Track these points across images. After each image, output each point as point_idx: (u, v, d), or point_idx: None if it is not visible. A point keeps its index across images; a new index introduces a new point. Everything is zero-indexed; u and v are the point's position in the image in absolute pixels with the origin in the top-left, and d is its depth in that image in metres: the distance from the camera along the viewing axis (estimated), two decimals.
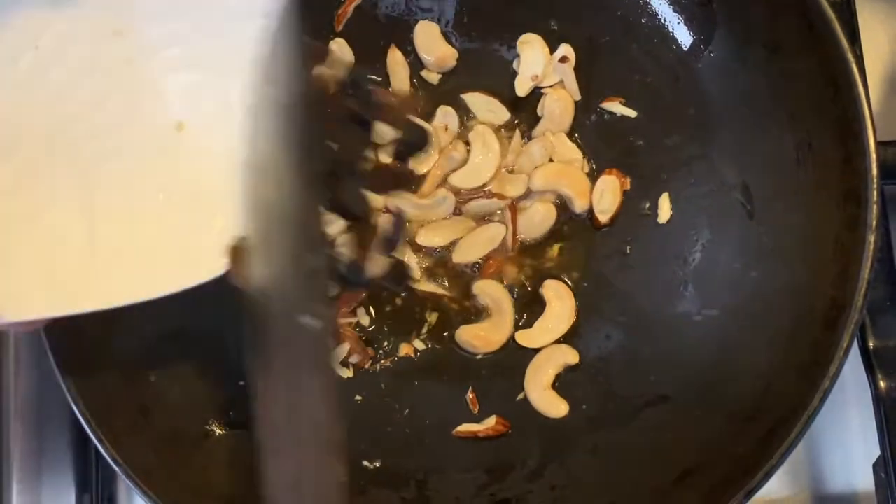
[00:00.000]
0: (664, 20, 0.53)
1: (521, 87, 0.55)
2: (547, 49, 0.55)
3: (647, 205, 0.54)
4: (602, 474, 0.49)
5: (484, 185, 0.54)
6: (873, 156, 0.43)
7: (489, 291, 0.53)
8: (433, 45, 0.55)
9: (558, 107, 0.54)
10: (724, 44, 0.51)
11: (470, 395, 0.53)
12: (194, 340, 0.52)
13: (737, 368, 0.49)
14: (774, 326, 0.48)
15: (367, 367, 0.54)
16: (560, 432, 0.51)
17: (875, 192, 0.43)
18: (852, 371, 0.52)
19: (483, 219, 0.55)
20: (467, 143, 0.55)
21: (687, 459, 0.47)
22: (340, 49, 0.55)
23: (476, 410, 0.52)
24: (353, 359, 0.53)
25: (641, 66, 0.54)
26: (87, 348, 0.46)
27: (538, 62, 0.54)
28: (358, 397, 0.53)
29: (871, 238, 0.43)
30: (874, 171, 0.43)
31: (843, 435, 0.55)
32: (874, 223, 0.43)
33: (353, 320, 0.54)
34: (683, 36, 0.52)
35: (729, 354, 0.49)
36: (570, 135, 0.55)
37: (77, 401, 0.44)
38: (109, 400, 0.46)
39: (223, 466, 0.49)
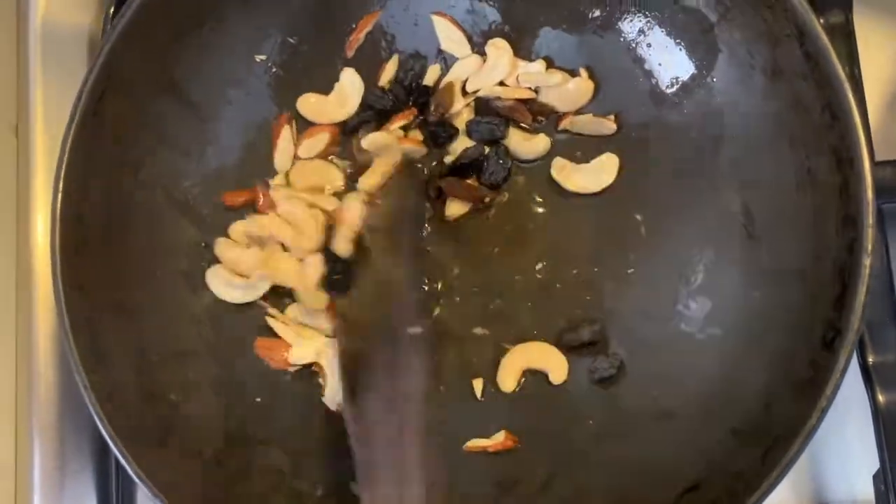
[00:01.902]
0: (666, 47, 0.54)
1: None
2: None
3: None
4: (608, 488, 0.50)
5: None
6: (869, 181, 0.44)
7: None
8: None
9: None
10: (725, 70, 0.51)
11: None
12: (210, 360, 0.53)
13: (738, 386, 0.49)
14: (774, 345, 0.48)
15: None
16: (567, 447, 0.52)
17: (871, 218, 0.44)
18: (853, 384, 0.52)
19: None
20: None
21: (690, 475, 0.48)
22: (351, 79, 0.56)
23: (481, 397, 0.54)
24: None
25: (645, 91, 0.55)
26: (112, 370, 0.48)
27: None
28: None
29: (867, 262, 0.44)
30: (870, 197, 0.44)
31: (844, 446, 0.56)
32: (870, 248, 0.44)
33: None
34: (685, 62, 0.53)
35: (731, 372, 0.50)
36: None
37: (103, 421, 0.45)
38: (133, 420, 0.48)
39: (242, 481, 0.50)
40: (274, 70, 0.56)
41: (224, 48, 0.54)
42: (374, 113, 0.56)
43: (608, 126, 0.55)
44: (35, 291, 0.59)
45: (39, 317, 0.59)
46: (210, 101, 0.54)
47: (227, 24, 0.54)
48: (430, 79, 0.56)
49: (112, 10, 0.61)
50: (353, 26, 0.56)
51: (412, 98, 0.56)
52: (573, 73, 0.55)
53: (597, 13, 0.54)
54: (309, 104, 0.56)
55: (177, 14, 0.51)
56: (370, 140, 0.54)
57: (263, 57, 0.56)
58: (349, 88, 0.56)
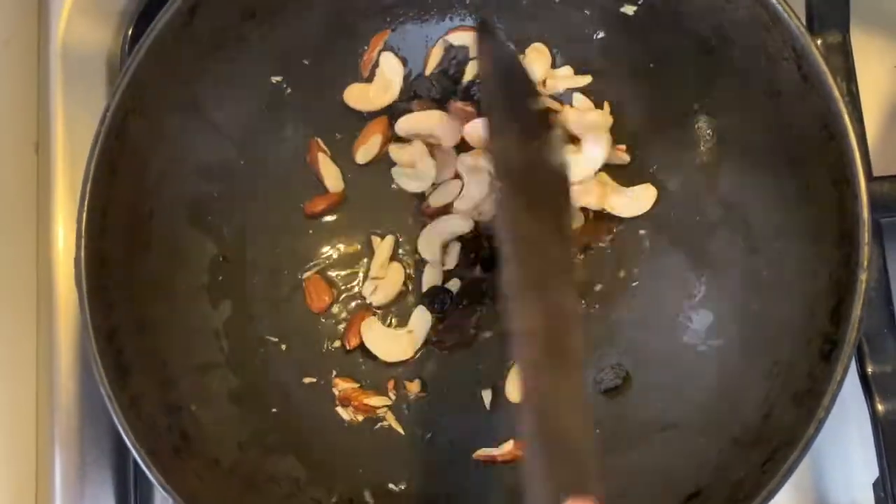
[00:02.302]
0: (669, 66, 0.55)
1: None
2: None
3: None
4: (614, 496, 0.50)
5: None
6: (864, 200, 0.45)
7: None
8: None
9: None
10: (725, 90, 0.53)
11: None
12: (229, 372, 0.55)
13: (740, 397, 0.50)
14: (774, 357, 0.50)
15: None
16: None
17: (866, 235, 0.45)
18: (854, 393, 0.53)
19: None
20: None
21: (692, 483, 0.49)
22: (390, 63, 0.57)
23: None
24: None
25: (648, 111, 0.56)
26: (135, 382, 0.49)
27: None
28: (384, 423, 0.56)
29: (863, 277, 0.45)
30: (865, 215, 0.45)
31: (845, 455, 0.57)
32: (866, 263, 0.45)
33: None
34: (688, 83, 0.54)
35: (733, 383, 0.51)
36: None
37: (126, 431, 0.47)
38: (153, 429, 0.49)
39: (258, 489, 0.51)
40: (289, 91, 0.57)
41: (243, 68, 0.55)
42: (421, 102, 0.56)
43: (621, 157, 0.56)
44: (56, 304, 0.60)
45: (60, 329, 0.60)
46: (229, 118, 0.56)
47: (246, 44, 0.55)
48: (469, 75, 0.57)
49: (131, 30, 0.63)
50: (366, 47, 0.58)
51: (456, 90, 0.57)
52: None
53: (601, 34, 0.56)
54: (354, 95, 0.58)
55: (198, 35, 0.52)
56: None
57: (279, 78, 0.57)
58: (390, 72, 0.58)
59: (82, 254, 0.49)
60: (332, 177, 0.58)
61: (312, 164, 0.58)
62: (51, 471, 0.58)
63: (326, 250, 0.58)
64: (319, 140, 0.58)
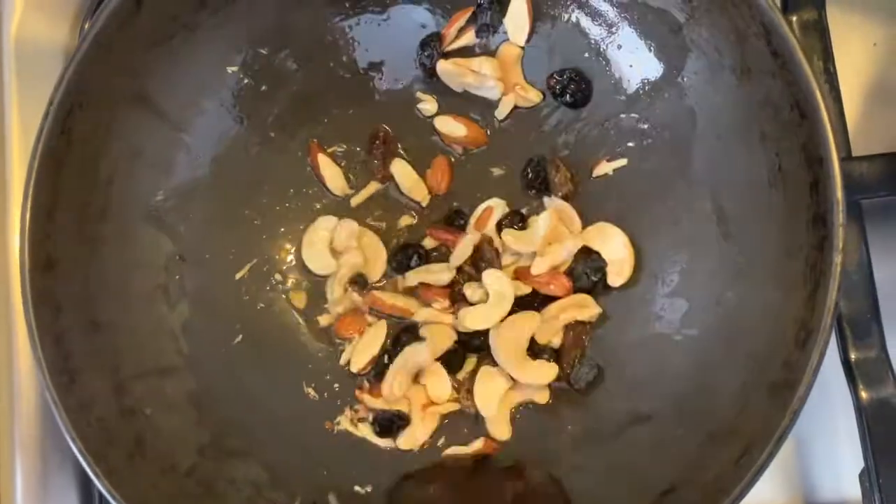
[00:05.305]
0: (636, 48, 0.54)
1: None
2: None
3: None
4: (587, 492, 0.50)
5: None
6: (838, 180, 0.44)
7: None
8: None
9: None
10: (695, 69, 0.51)
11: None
12: (187, 374, 0.53)
13: (715, 388, 0.49)
14: (749, 346, 0.48)
15: None
16: (546, 452, 0.52)
17: (841, 216, 0.44)
18: (840, 382, 0.53)
19: None
20: None
21: (668, 478, 0.48)
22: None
23: None
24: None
25: (616, 93, 0.54)
26: (85, 386, 0.48)
27: None
28: None
29: (838, 260, 0.44)
30: (839, 195, 0.44)
31: (832, 446, 0.56)
32: (840, 245, 0.44)
33: None
34: (655, 63, 0.53)
35: (708, 374, 0.50)
36: None
37: (74, 438, 0.46)
38: (105, 435, 0.48)
39: (218, 495, 0.50)
40: (246, 81, 0.56)
41: (196, 59, 0.54)
42: None
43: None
44: (13, 309, 0.59)
45: (18, 334, 0.59)
46: (182, 111, 0.54)
47: (198, 34, 0.53)
48: None
49: (87, 24, 0.61)
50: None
51: None
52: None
53: (566, 17, 0.54)
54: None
55: (146, 26, 0.51)
56: None
57: (235, 68, 0.56)
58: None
59: (26, 256, 0.48)
60: (335, 180, 0.57)
61: (314, 165, 0.57)
62: (12, 478, 0.57)
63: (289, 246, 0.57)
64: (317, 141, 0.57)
